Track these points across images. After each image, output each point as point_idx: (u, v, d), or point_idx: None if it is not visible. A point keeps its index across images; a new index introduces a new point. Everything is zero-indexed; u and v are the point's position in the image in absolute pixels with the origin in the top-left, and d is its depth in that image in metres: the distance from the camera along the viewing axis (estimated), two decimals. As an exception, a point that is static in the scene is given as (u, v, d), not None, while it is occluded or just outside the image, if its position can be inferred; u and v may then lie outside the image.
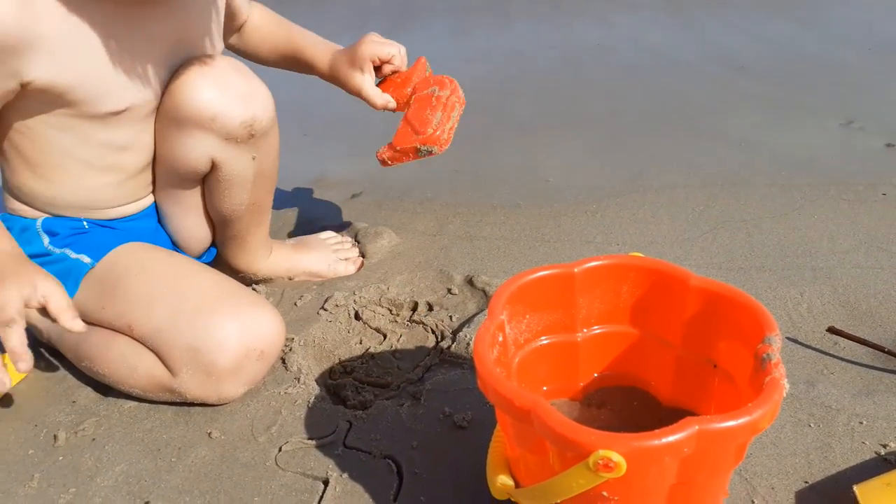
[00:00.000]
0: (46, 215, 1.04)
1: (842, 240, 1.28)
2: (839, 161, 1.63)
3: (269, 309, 0.99)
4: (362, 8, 3.83)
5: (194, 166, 1.03)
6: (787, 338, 1.02)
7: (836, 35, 2.60)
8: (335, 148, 1.98)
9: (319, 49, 1.25)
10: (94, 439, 0.95)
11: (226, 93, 0.98)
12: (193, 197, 1.11)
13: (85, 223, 1.05)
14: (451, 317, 1.15)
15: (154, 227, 1.14)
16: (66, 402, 1.02)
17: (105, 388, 1.03)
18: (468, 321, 1.12)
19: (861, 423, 0.86)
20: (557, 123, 2.00)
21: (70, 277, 1.00)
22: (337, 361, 1.07)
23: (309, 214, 1.57)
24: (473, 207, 1.52)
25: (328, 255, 1.30)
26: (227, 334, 0.93)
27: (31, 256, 1.01)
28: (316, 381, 1.01)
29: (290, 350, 1.06)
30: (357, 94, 1.21)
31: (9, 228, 1.03)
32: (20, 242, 1.01)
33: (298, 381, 1.00)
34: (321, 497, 0.82)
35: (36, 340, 1.08)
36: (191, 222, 1.15)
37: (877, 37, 2.59)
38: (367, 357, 1.08)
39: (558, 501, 0.62)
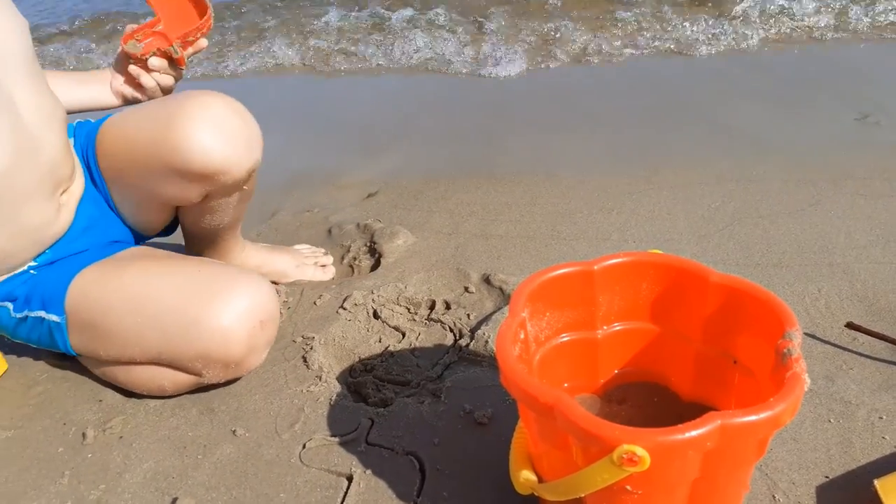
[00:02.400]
0: None
1: (859, 235, 1.28)
2: (855, 156, 1.62)
3: (243, 281, 0.96)
4: None
5: (189, 200, 1.02)
6: (806, 334, 1.02)
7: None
8: (350, 148, 1.99)
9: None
10: (121, 437, 0.96)
11: (233, 145, 0.96)
12: (166, 210, 1.10)
13: (31, 270, 1.02)
14: (468, 315, 1.16)
15: (98, 216, 1.08)
16: (93, 401, 1.04)
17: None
18: (486, 319, 1.13)
19: (881, 417, 0.86)
20: (571, 121, 2.00)
21: (57, 338, 1.00)
22: (357, 360, 1.08)
23: (324, 215, 1.58)
24: (488, 206, 1.52)
25: (298, 259, 1.31)
26: (224, 330, 0.92)
27: (10, 329, 1.03)
28: (337, 379, 1.03)
29: (311, 349, 1.08)
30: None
31: None
32: None
33: (320, 380, 1.02)
34: (346, 493, 0.83)
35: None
36: (151, 217, 1.12)
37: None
38: (387, 355, 1.09)
39: (582, 496, 0.63)
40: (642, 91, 2.19)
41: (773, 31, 2.55)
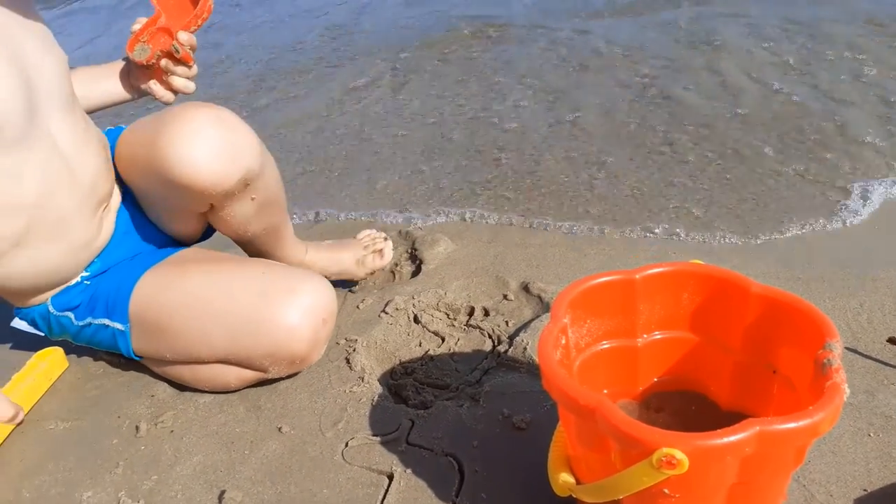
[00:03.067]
0: (49, 293, 1.06)
1: (902, 250, 1.26)
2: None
3: (306, 280, 1.00)
4: None
5: (193, 210, 1.05)
6: (847, 348, 1.02)
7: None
8: (388, 157, 2.02)
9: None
10: (172, 431, 1.01)
11: (217, 158, 0.94)
12: (191, 217, 1.10)
13: (85, 281, 1.06)
14: (507, 322, 1.18)
15: (138, 222, 1.12)
16: (145, 396, 1.09)
17: (181, 384, 1.09)
18: (524, 326, 1.15)
19: (922, 433, 0.86)
20: (611, 130, 2.01)
21: (121, 344, 1.04)
22: (398, 362, 1.11)
23: (366, 220, 1.61)
24: (527, 214, 1.54)
25: (358, 252, 1.33)
26: (291, 328, 0.96)
27: (72, 333, 1.07)
28: (378, 380, 1.06)
29: (354, 351, 1.11)
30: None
31: (31, 320, 1.09)
32: (53, 327, 1.08)
33: (362, 381, 1.05)
34: (386, 491, 0.86)
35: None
36: (179, 227, 1.15)
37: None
38: (427, 359, 1.11)
39: (619, 498, 0.64)
40: (679, 97, 2.19)
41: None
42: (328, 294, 1.01)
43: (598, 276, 0.78)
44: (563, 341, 0.74)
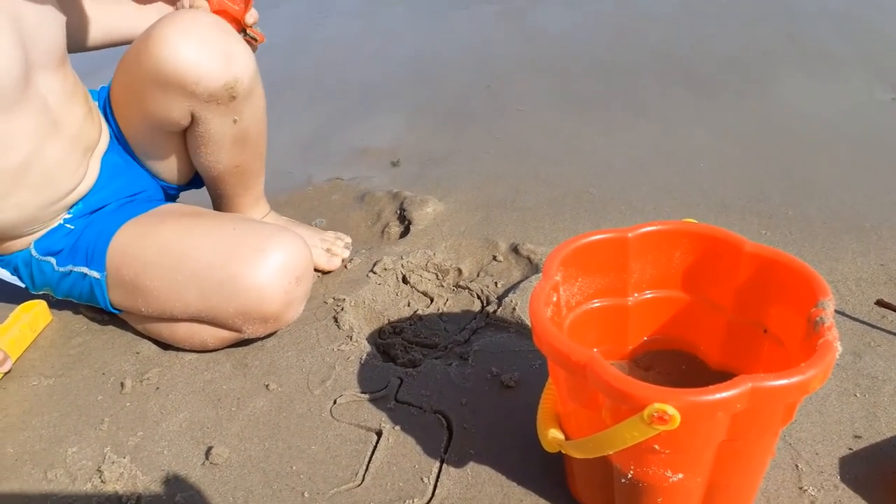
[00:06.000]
0: (31, 237, 1.05)
1: (891, 213, 1.26)
2: (890, 133, 1.60)
3: (278, 238, 0.97)
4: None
5: (175, 120, 1.02)
6: (835, 311, 1.02)
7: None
8: (375, 116, 1.99)
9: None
10: (157, 388, 1.00)
11: (207, 53, 0.95)
12: (173, 141, 1.09)
13: (67, 224, 1.05)
14: (496, 283, 1.17)
15: (122, 166, 1.11)
16: (130, 353, 1.07)
17: (165, 342, 1.08)
18: (513, 287, 1.14)
19: (907, 393, 0.87)
20: (603, 99, 1.99)
21: (98, 294, 1.03)
22: (386, 322, 1.10)
23: (355, 182, 1.59)
24: (516, 177, 1.53)
25: (314, 240, 1.24)
26: (261, 287, 0.94)
27: (53, 283, 1.06)
28: (367, 339, 1.05)
29: (342, 310, 1.10)
30: None
31: (13, 268, 1.08)
32: (35, 275, 1.06)
33: (350, 339, 1.04)
34: (375, 447, 0.86)
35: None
36: (171, 163, 1.13)
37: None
38: (415, 319, 1.11)
39: (609, 454, 0.64)
40: (672, 62, 2.17)
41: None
42: (301, 252, 0.98)
43: (590, 234, 0.77)
44: (555, 299, 0.73)
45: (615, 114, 1.84)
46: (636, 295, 0.81)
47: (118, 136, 1.11)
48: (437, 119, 1.91)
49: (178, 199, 1.23)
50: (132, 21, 1.16)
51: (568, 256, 0.75)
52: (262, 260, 0.94)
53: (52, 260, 1.05)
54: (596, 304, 0.81)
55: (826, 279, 1.07)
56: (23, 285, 1.11)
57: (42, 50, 0.94)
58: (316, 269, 1.22)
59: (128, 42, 1.13)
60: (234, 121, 1.03)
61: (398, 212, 1.42)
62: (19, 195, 0.97)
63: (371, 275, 1.19)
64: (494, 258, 1.24)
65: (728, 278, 0.76)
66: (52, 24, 0.96)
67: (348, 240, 1.30)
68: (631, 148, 1.63)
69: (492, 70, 2.24)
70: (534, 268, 1.18)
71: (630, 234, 0.77)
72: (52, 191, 1.01)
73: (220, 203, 1.20)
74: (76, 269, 1.03)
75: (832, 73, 1.97)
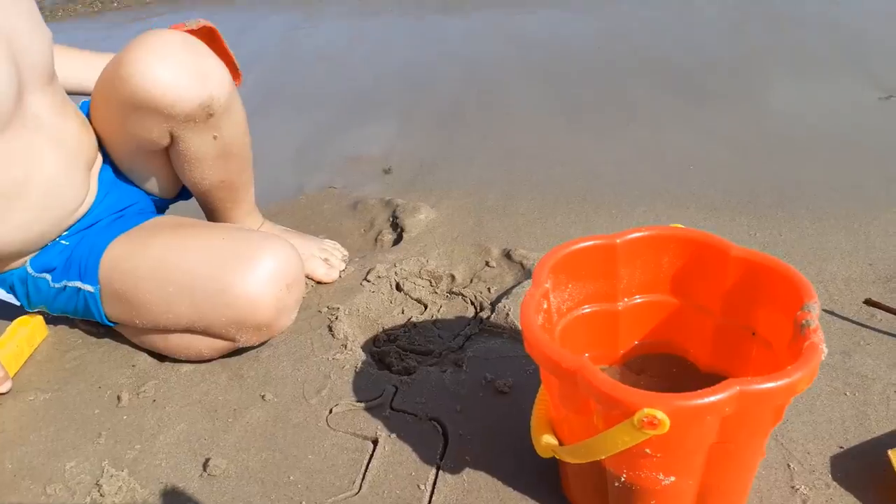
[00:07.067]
0: (29, 256, 1.06)
1: (879, 212, 1.28)
2: (877, 133, 1.62)
3: (268, 246, 0.97)
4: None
5: (155, 140, 1.02)
6: (825, 310, 1.03)
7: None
8: (367, 124, 2.00)
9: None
10: (154, 400, 1.00)
11: (181, 74, 0.94)
12: (157, 158, 1.09)
13: (62, 241, 1.05)
14: (489, 289, 1.18)
15: (111, 182, 1.11)
16: (126, 366, 1.08)
17: (161, 355, 1.08)
18: (506, 293, 1.15)
19: (896, 392, 0.88)
20: (594, 105, 2.00)
21: (93, 309, 1.03)
22: (381, 330, 1.11)
23: (347, 190, 1.60)
24: (508, 182, 1.54)
25: (312, 249, 1.24)
26: (252, 296, 0.94)
27: (49, 300, 1.06)
28: (361, 347, 1.06)
29: (337, 319, 1.11)
30: None
31: (9, 286, 1.08)
32: (31, 293, 1.07)
33: (345, 348, 1.05)
34: (371, 455, 0.86)
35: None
36: (157, 179, 1.13)
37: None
38: (410, 326, 1.12)
39: (601, 458, 0.65)
40: (661, 70, 2.18)
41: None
42: (291, 258, 0.98)
43: (579, 240, 0.78)
44: (545, 306, 0.74)
45: (606, 119, 1.86)
46: (626, 300, 0.82)
47: (103, 151, 1.12)
48: (429, 126, 1.92)
49: (170, 209, 1.24)
50: (85, 74, 1.15)
51: (557, 264, 0.76)
52: (251, 269, 0.95)
53: (48, 276, 1.05)
54: (586, 309, 0.82)
55: (815, 279, 1.10)
56: (18, 303, 1.12)
57: (33, 67, 0.95)
58: (313, 280, 1.23)
59: (80, 93, 1.15)
60: (214, 137, 1.03)
61: (391, 219, 1.43)
62: (24, 214, 0.98)
63: (365, 283, 1.20)
64: (487, 264, 1.25)
65: (716, 282, 0.77)
66: (41, 42, 0.97)
67: (346, 253, 1.30)
68: (621, 152, 1.65)
69: (483, 76, 2.25)
70: (526, 273, 1.19)
71: (618, 241, 0.78)
72: (58, 209, 1.02)
73: (212, 216, 1.21)
74: (70, 283, 1.03)
75: (819, 74, 2.00)
